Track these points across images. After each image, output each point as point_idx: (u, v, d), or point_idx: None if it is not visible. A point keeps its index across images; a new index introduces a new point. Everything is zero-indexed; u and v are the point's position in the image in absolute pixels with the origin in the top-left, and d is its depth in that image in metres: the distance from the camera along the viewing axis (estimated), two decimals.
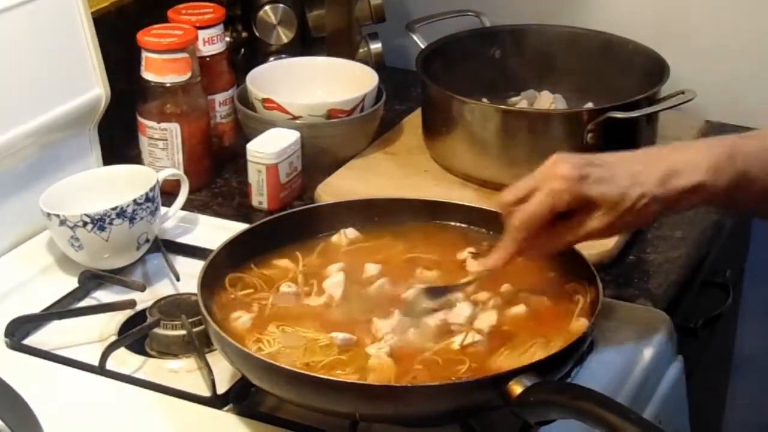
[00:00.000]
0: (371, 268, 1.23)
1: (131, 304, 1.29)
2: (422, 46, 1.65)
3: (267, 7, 1.75)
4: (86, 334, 1.26)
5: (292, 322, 1.15)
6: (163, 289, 1.34)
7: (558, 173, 1.10)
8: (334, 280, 1.20)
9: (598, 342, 1.22)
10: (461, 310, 1.15)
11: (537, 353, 1.09)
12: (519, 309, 1.16)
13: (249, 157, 1.50)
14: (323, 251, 1.26)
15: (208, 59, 1.60)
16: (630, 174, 1.11)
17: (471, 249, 1.24)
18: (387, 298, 1.18)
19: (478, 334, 1.11)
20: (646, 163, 1.13)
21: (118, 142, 1.59)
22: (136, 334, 1.23)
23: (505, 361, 1.08)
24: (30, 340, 1.25)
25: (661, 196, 1.11)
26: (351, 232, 1.28)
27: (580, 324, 1.13)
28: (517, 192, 1.13)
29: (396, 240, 1.28)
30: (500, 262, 1.15)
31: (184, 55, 1.51)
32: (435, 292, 1.18)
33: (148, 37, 1.51)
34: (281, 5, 1.75)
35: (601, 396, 0.98)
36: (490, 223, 1.25)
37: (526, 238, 1.13)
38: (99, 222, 1.31)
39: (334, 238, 1.28)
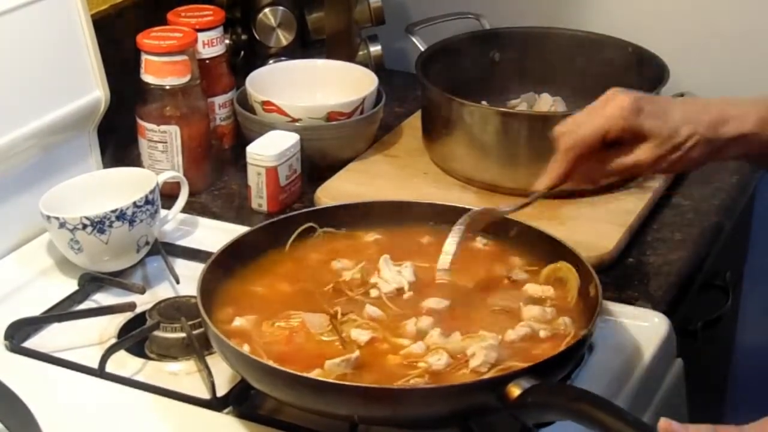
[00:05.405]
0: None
1: (131, 306, 1.29)
2: (422, 49, 1.65)
3: (266, 10, 1.75)
4: (86, 337, 1.26)
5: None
6: (162, 291, 1.34)
7: (616, 102, 1.15)
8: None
9: (597, 344, 1.23)
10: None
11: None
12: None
13: (248, 160, 1.50)
14: None
15: (207, 62, 1.60)
16: (683, 112, 1.15)
17: None
18: None
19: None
20: (698, 106, 1.17)
21: (117, 144, 1.60)
22: (135, 336, 1.23)
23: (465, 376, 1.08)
24: (30, 343, 1.25)
25: (710, 139, 1.15)
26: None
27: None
28: (573, 121, 1.17)
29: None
30: (549, 181, 1.18)
31: (184, 57, 1.51)
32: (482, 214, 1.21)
33: (147, 39, 1.51)
34: (281, 8, 1.75)
35: (599, 398, 0.98)
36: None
37: (575, 160, 1.16)
38: (99, 224, 1.31)
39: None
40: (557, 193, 1.48)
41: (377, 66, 1.79)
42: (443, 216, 1.29)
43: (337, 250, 1.27)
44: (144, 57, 1.51)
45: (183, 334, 1.22)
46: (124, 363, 1.21)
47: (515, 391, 1.01)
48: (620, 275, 1.38)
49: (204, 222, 1.50)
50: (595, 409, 0.96)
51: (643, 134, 1.15)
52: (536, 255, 1.24)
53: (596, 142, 1.16)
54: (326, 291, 1.21)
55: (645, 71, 1.59)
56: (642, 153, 1.15)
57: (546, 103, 1.66)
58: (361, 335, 1.13)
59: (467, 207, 1.29)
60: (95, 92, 1.49)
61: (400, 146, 1.65)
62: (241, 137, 1.62)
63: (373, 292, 1.20)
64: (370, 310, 1.17)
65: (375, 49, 1.82)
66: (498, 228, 1.27)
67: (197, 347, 1.19)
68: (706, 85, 1.61)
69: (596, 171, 1.19)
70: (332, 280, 1.22)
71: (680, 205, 1.54)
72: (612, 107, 1.15)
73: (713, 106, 1.17)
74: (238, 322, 1.15)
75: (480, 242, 1.28)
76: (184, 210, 1.47)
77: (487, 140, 1.51)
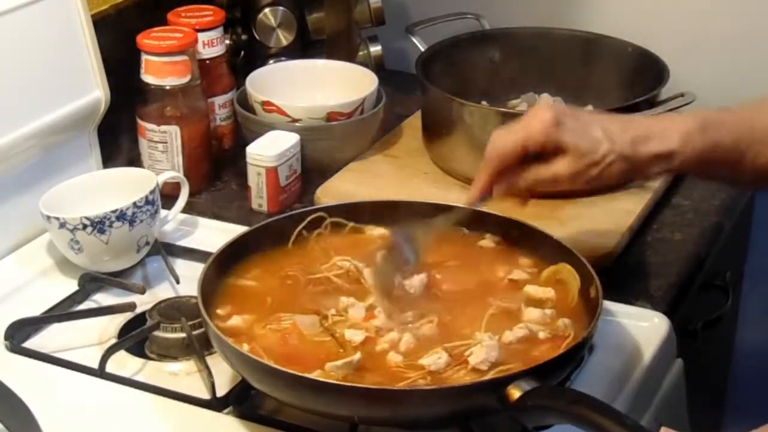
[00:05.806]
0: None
1: (131, 306, 1.29)
2: (422, 49, 1.65)
3: (266, 10, 1.75)
4: (86, 337, 1.26)
5: None
6: (162, 291, 1.34)
7: (538, 116, 1.16)
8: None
9: (597, 344, 1.22)
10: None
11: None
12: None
13: (249, 160, 1.50)
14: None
15: (207, 62, 1.60)
16: (603, 130, 1.15)
17: None
18: None
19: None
20: (621, 124, 1.17)
21: (117, 144, 1.60)
22: (135, 336, 1.23)
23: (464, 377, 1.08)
24: (30, 343, 1.25)
25: (629, 157, 1.15)
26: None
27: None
28: (498, 133, 1.19)
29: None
30: (475, 192, 1.19)
31: (184, 57, 1.51)
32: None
33: (147, 39, 1.51)
34: (281, 8, 1.75)
35: (597, 401, 0.98)
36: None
37: (498, 170, 1.17)
38: (99, 225, 1.31)
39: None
40: (557, 194, 1.49)
41: (377, 66, 1.79)
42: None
43: (340, 249, 1.27)
44: (144, 57, 1.51)
45: (183, 334, 1.22)
46: (124, 363, 1.21)
47: (515, 393, 1.01)
48: (620, 275, 1.38)
49: (204, 222, 1.50)
50: (594, 413, 0.96)
51: (562, 148, 1.15)
52: (537, 256, 1.24)
53: (515, 155, 1.16)
54: (326, 290, 1.21)
55: (645, 71, 1.59)
56: (559, 166, 1.16)
57: (546, 103, 1.66)
58: (355, 335, 1.12)
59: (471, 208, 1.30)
60: (95, 92, 1.49)
61: (400, 146, 1.65)
62: (241, 137, 1.63)
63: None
64: (367, 308, 1.17)
65: (375, 49, 1.82)
66: (499, 229, 1.27)
67: (197, 347, 1.19)
68: (706, 85, 1.61)
69: (517, 180, 1.18)
70: (333, 280, 1.22)
71: (680, 205, 1.54)
72: (534, 121, 1.15)
73: (638, 123, 1.18)
74: (238, 321, 1.15)
75: (488, 241, 1.28)
76: (184, 210, 1.47)
77: (487, 140, 1.49)
